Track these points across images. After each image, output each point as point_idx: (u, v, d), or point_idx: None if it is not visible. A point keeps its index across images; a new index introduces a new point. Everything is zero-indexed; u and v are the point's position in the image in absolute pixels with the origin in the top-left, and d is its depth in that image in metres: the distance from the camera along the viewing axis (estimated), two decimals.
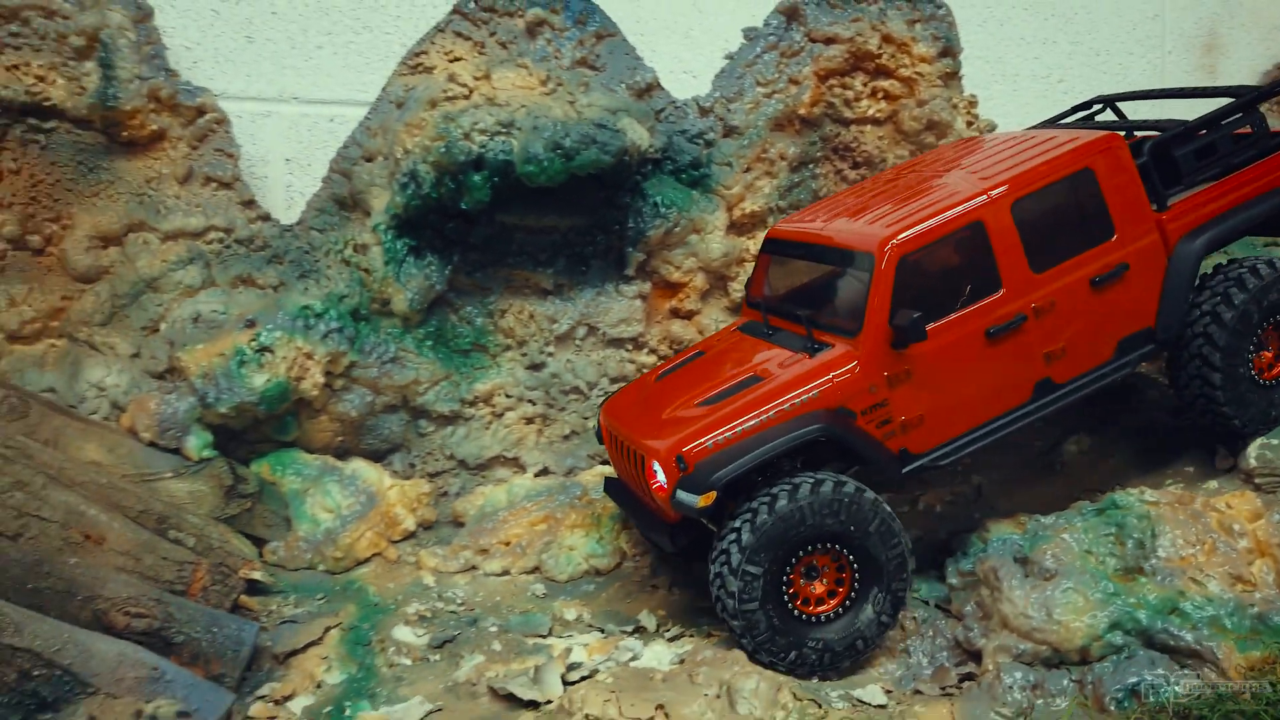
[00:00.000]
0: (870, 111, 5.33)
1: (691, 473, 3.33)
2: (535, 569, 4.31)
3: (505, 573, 4.29)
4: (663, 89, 5.09)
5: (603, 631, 3.62)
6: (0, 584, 2.93)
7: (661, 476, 3.43)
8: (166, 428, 4.27)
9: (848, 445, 3.45)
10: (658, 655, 3.29)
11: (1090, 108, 5.00)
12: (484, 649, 3.40)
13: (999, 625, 3.13)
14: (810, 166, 5.33)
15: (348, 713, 3.09)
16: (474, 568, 4.34)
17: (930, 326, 3.48)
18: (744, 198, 5.14)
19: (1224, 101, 4.34)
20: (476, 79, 4.65)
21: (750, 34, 5.24)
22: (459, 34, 4.90)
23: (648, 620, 3.68)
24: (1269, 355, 3.86)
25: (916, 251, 3.55)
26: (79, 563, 3.10)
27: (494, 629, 3.59)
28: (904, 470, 3.55)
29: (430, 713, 3.04)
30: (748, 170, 5.15)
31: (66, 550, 3.25)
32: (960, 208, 3.62)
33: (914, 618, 3.40)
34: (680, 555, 3.85)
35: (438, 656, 3.43)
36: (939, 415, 3.57)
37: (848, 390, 3.46)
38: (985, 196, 3.64)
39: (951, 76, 5.32)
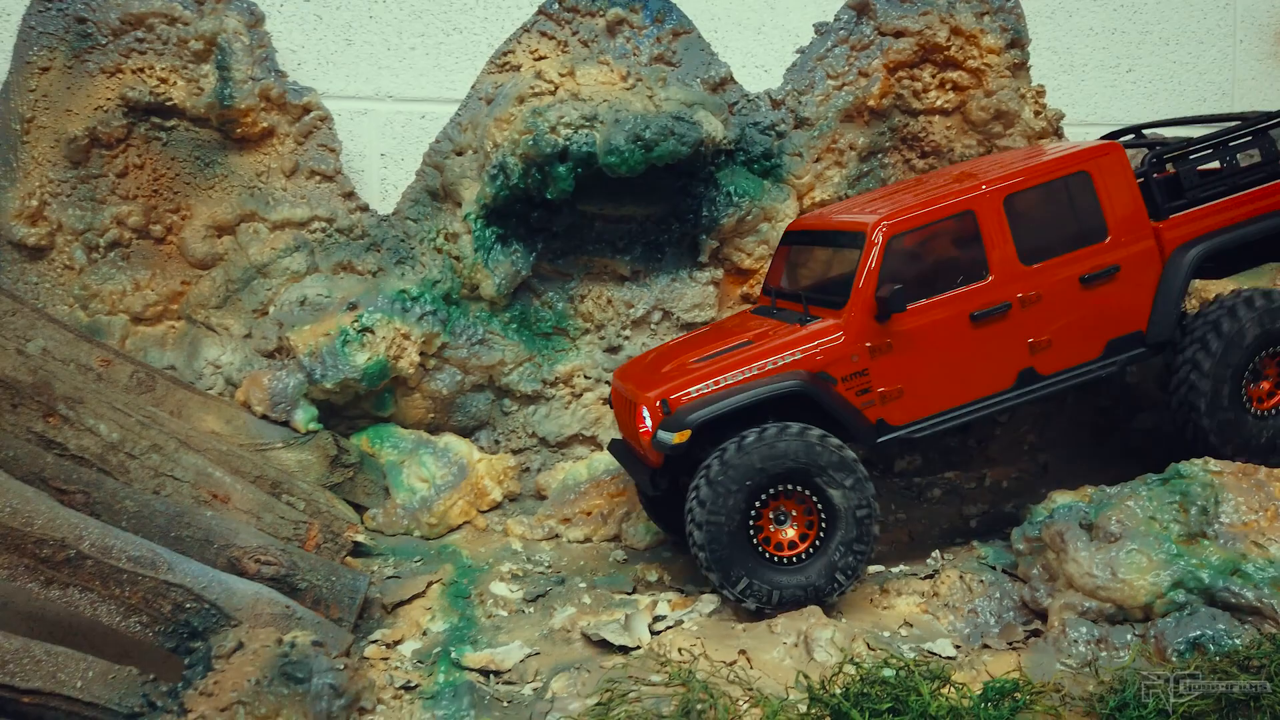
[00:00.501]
0: (938, 102, 5.47)
1: (673, 415, 3.59)
2: (615, 537, 4.57)
3: (587, 540, 4.55)
4: (736, 83, 5.30)
5: (682, 591, 3.85)
6: (149, 531, 3.27)
7: (648, 421, 3.69)
8: (277, 402, 4.62)
9: (823, 406, 3.64)
10: (736, 612, 3.51)
11: (1119, 138, 5.10)
12: (575, 602, 3.66)
13: (1064, 585, 3.28)
14: (879, 156, 5.50)
15: (453, 655, 3.36)
16: (558, 535, 4.61)
17: (915, 305, 3.69)
18: (814, 187, 5.33)
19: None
20: (562, 75, 4.92)
21: (821, 28, 5.43)
22: (544, 33, 5.18)
23: None
24: (1267, 385, 3.92)
25: (907, 233, 3.78)
26: (214, 515, 3.44)
27: (582, 586, 3.85)
28: (879, 440, 3.73)
29: (529, 655, 3.30)
30: (818, 160, 5.34)
31: (200, 506, 3.59)
32: (954, 198, 3.82)
33: (981, 580, 3.57)
34: (659, 499, 4.08)
35: (531, 609, 3.70)
36: (919, 391, 3.74)
37: (830, 356, 3.68)
38: (980, 188, 3.84)
39: (1020, 67, 5.44)
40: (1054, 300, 3.81)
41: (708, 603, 3.53)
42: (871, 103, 5.33)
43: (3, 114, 4.77)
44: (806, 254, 4.38)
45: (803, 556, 3.53)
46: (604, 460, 4.97)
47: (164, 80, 4.83)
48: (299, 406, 4.65)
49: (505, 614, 3.66)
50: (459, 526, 4.67)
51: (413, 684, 3.12)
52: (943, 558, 3.89)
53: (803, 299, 3.99)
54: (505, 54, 5.18)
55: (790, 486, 3.52)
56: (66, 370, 3.85)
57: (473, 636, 3.51)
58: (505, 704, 2.99)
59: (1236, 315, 3.82)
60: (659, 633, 3.35)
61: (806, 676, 2.87)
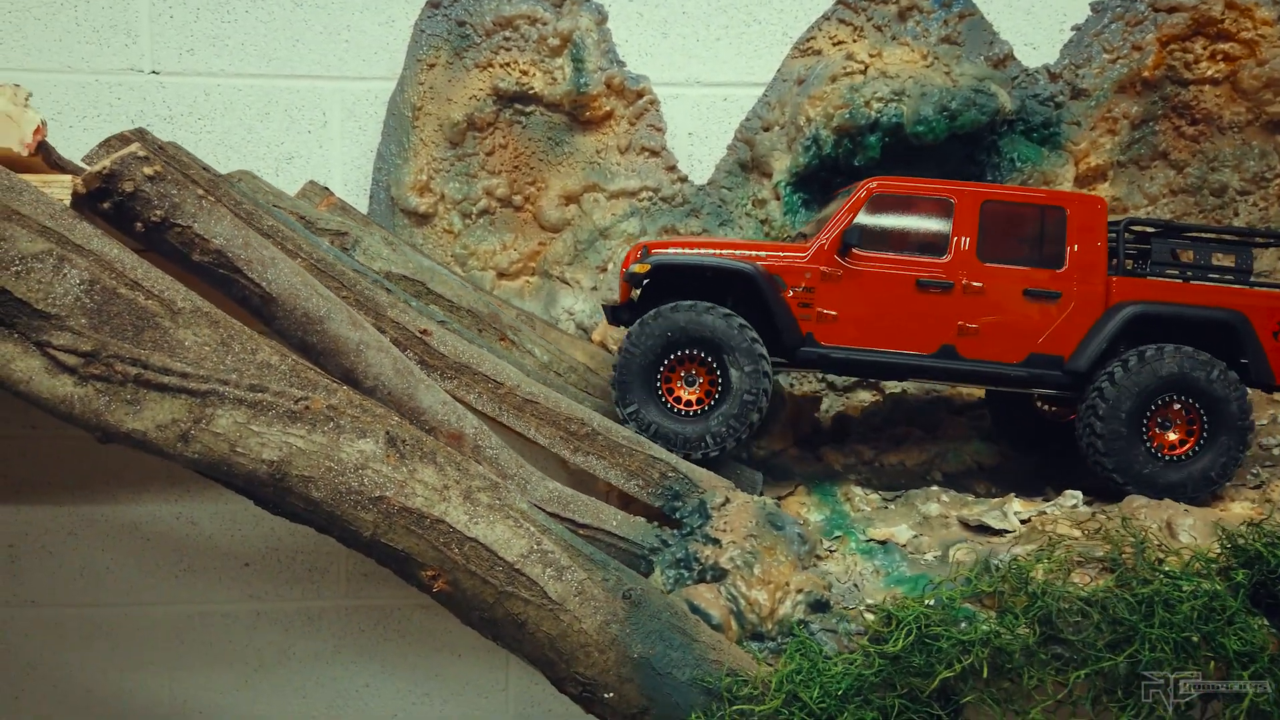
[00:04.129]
0: (1209, 72, 5.85)
1: (645, 257, 4.38)
2: (927, 461, 5.17)
3: (901, 464, 5.16)
4: (1016, 59, 5.82)
5: (1018, 496, 4.41)
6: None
7: (631, 263, 4.44)
8: None
9: (765, 299, 4.26)
10: (1086, 512, 4.05)
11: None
12: (935, 500, 4.27)
13: None
14: (1150, 124, 5.91)
15: (843, 533, 4.03)
16: (871, 462, 5.25)
17: (875, 254, 4.34)
18: (1089, 153, 5.81)
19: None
20: (871, 56, 5.56)
21: (1097, 6, 5.88)
22: (842, 20, 5.83)
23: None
24: (1176, 435, 4.19)
25: (891, 196, 4.43)
26: None
27: (935, 489, 4.46)
28: (803, 349, 4.32)
29: (917, 535, 3.94)
30: (1093, 129, 5.81)
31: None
32: (945, 186, 4.45)
33: None
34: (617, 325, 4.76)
35: (893, 506, 4.35)
36: (851, 324, 4.31)
37: (788, 267, 4.36)
38: (965, 188, 4.45)
39: None
40: (994, 297, 4.31)
41: (1069, 498, 4.07)
42: (1145, 74, 5.76)
43: (399, 104, 5.73)
44: (824, 205, 5.11)
45: (697, 413, 4.15)
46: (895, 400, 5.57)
47: (525, 72, 5.69)
48: None
49: (869, 509, 4.31)
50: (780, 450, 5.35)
51: (832, 548, 3.81)
52: (1262, 473, 4.33)
53: (802, 234, 4.82)
54: (808, 40, 5.86)
55: (698, 353, 4.17)
56: (500, 308, 4.72)
57: (849, 525, 4.17)
58: (922, 561, 3.65)
59: (1144, 357, 4.17)
60: (1025, 521, 3.94)
61: (1223, 528, 3.41)
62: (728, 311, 4.22)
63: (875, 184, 4.49)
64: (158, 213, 2.82)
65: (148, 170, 2.76)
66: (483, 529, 2.84)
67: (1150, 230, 4.74)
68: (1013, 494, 4.17)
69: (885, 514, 4.17)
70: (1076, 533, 3.49)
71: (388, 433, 2.83)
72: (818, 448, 5.41)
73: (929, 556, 3.70)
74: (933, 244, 4.41)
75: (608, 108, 5.75)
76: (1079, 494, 4.03)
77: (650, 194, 5.86)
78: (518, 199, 5.82)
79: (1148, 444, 4.16)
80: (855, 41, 5.80)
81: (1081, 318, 4.34)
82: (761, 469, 5.11)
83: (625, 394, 4.10)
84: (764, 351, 4.22)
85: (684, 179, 5.91)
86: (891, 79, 5.46)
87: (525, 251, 5.80)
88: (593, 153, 5.84)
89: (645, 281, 4.42)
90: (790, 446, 5.43)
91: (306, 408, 2.74)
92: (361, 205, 5.80)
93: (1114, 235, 4.57)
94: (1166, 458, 4.17)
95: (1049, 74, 5.85)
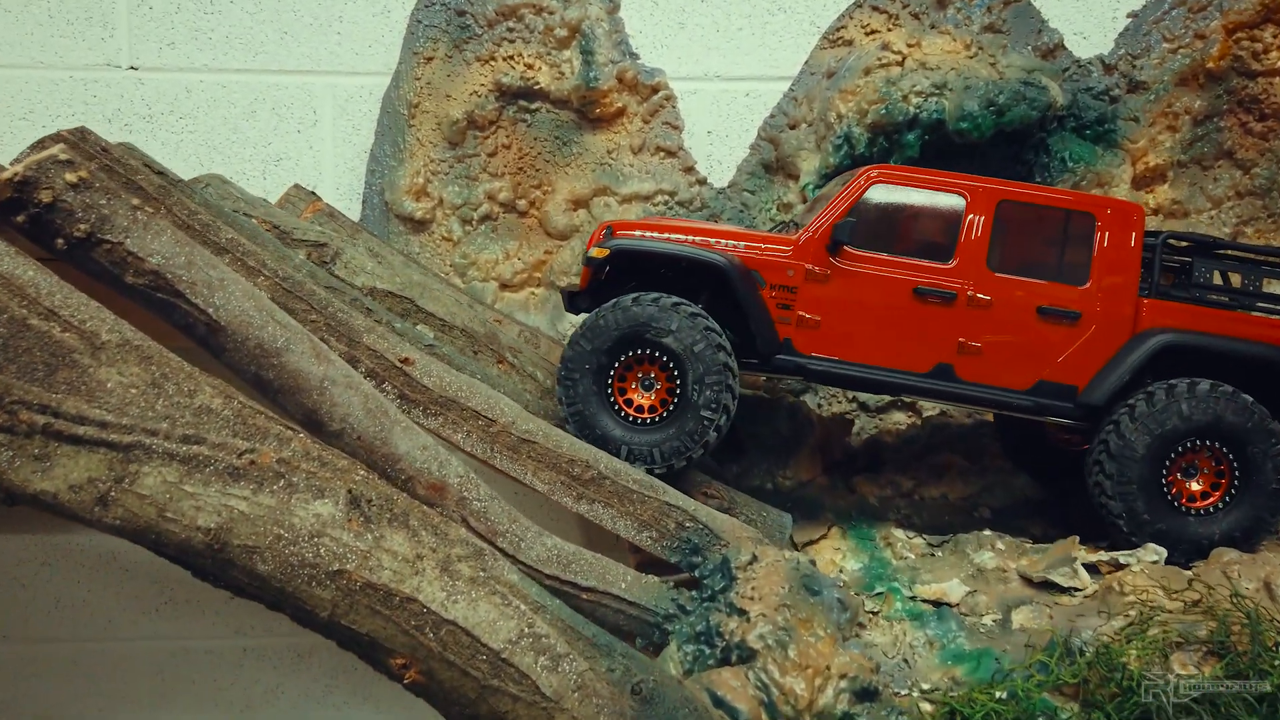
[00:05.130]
0: (1279, 63, 5.31)
1: (608, 240, 3.91)
2: (973, 495, 4.67)
3: (944, 497, 4.66)
4: (1066, 49, 5.30)
5: (1087, 544, 3.91)
6: None
7: (593, 244, 3.96)
8: None
9: (738, 296, 3.74)
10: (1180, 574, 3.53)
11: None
12: (989, 548, 3.78)
13: None
14: (1214, 120, 5.38)
15: (886, 589, 3.55)
16: (909, 494, 4.75)
17: (870, 254, 3.80)
18: (1147, 151, 5.28)
19: None
20: (909, 46, 5.06)
21: None
22: (875, 8, 5.33)
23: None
24: (1203, 484, 3.71)
25: (892, 187, 3.89)
26: None
27: (987, 533, 3.96)
28: (778, 356, 3.82)
29: (971, 592, 3.44)
30: (1152, 125, 5.28)
31: None
32: (956, 180, 3.90)
33: None
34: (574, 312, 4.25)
35: (940, 553, 3.86)
36: (835, 332, 3.80)
37: (769, 261, 3.85)
38: (979, 184, 3.88)
39: None
40: (1003, 313, 3.80)
41: (1150, 552, 3.56)
42: (1209, 65, 5.24)
43: (393, 100, 5.28)
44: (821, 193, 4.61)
45: (672, 409, 3.66)
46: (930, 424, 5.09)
47: (530, 66, 5.23)
48: None
49: (913, 556, 3.82)
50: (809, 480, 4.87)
51: (875, 610, 3.33)
52: None
53: (794, 222, 4.28)
54: (838, 30, 5.37)
55: (642, 350, 3.66)
56: (499, 326, 4.26)
57: (891, 576, 3.68)
58: (981, 630, 3.16)
59: (1153, 400, 3.67)
60: (1093, 570, 3.44)
61: None
62: (636, 296, 3.73)
63: (876, 172, 3.98)
64: (81, 227, 2.38)
65: (70, 177, 2.32)
66: (463, 609, 2.37)
67: (1191, 247, 4.18)
68: (1075, 538, 3.66)
69: (932, 563, 3.68)
70: (1168, 602, 2.99)
71: (350, 491, 2.37)
72: (850, 477, 4.92)
73: (988, 620, 3.21)
74: (937, 247, 3.89)
75: (619, 104, 5.29)
76: (1162, 549, 3.50)
77: (666, 197, 5.39)
78: (522, 204, 5.36)
79: (1167, 493, 3.69)
80: (890, 30, 5.30)
81: (1102, 344, 3.81)
82: (789, 501, 4.63)
83: (590, 430, 3.57)
84: (684, 301, 3.69)
85: (703, 181, 5.44)
86: (932, 71, 4.96)
87: (530, 261, 5.34)
88: (603, 153, 5.38)
89: (606, 267, 3.95)
90: (819, 475, 4.94)
91: (252, 462, 2.29)
92: (354, 210, 5.38)
93: (1150, 250, 4.02)
94: (1187, 510, 3.69)
95: (1103, 65, 5.34)
